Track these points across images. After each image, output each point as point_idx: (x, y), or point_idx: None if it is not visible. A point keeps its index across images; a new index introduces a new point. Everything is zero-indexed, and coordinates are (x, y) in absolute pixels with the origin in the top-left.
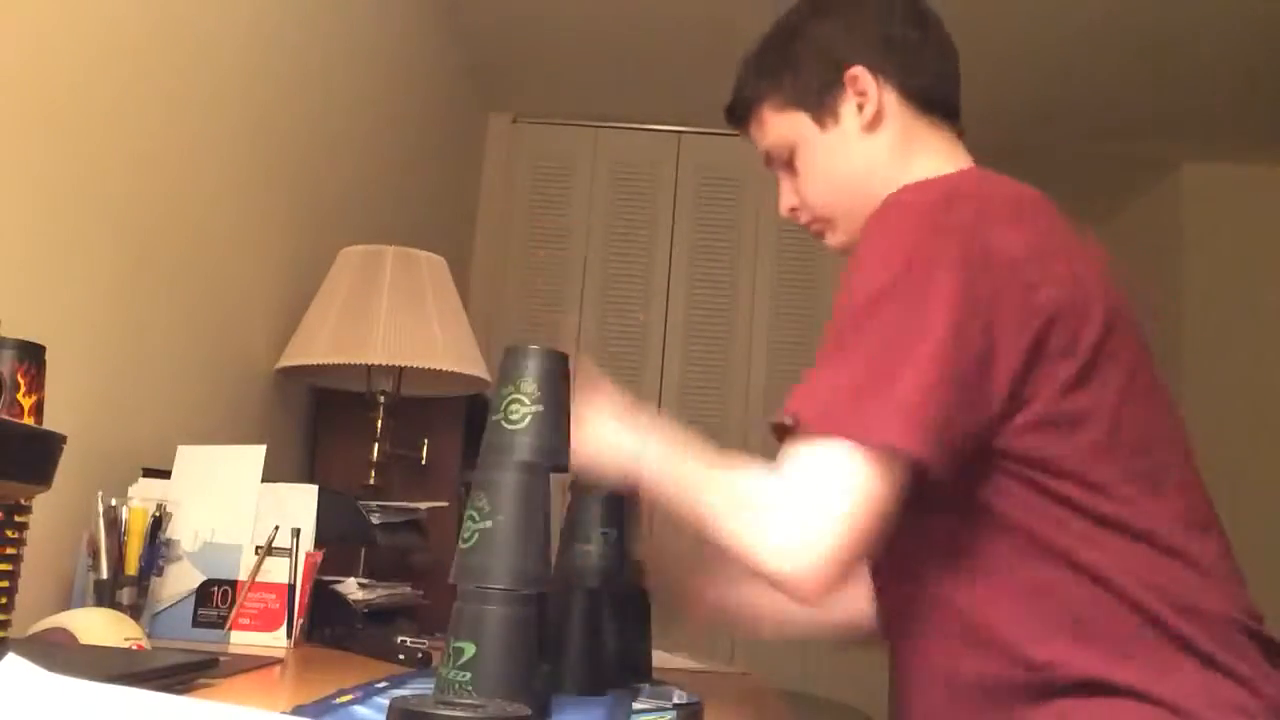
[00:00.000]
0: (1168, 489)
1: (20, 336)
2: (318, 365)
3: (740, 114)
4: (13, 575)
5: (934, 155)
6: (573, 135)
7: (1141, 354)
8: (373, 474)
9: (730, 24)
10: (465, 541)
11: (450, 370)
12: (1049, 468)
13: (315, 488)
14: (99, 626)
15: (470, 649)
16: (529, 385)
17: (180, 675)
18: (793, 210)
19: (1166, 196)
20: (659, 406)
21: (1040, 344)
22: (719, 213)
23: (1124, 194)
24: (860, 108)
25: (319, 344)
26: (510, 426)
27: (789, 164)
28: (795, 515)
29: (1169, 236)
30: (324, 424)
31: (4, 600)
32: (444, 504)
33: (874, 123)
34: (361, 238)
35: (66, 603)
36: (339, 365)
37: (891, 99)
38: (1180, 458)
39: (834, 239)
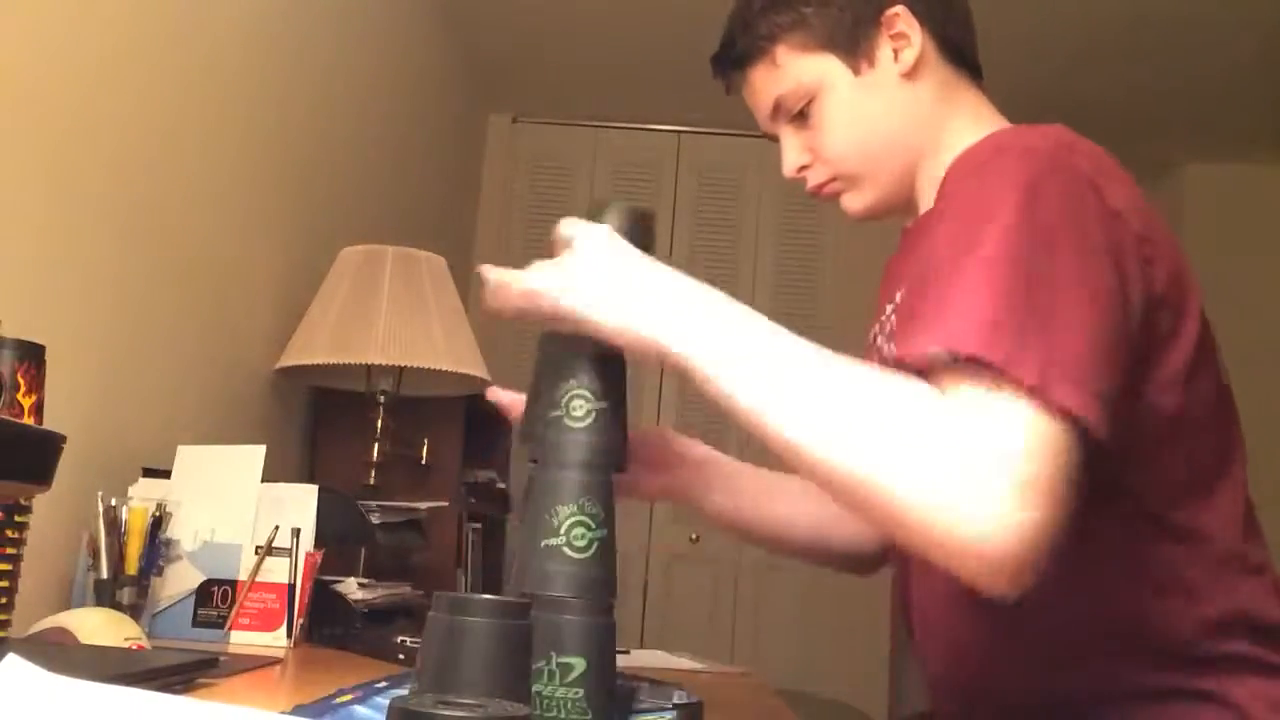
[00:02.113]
0: (1237, 496)
1: (20, 336)
2: (318, 365)
3: (743, 56)
4: (13, 575)
5: (974, 113)
6: (573, 135)
7: (1216, 349)
8: (373, 474)
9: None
10: (582, 552)
11: (450, 370)
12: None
13: (315, 488)
14: (99, 626)
15: (580, 664)
16: (591, 381)
17: (180, 675)
18: (802, 170)
19: (1167, 196)
20: (659, 406)
21: (1151, 325)
22: (719, 212)
23: None
24: (896, 53)
25: (319, 344)
26: (575, 424)
27: (800, 116)
28: (1003, 474)
29: None
30: (324, 424)
31: (4, 600)
32: (444, 504)
33: (914, 70)
34: (361, 238)
35: (66, 603)
36: (339, 365)
37: (929, 46)
38: (1243, 462)
39: (856, 200)
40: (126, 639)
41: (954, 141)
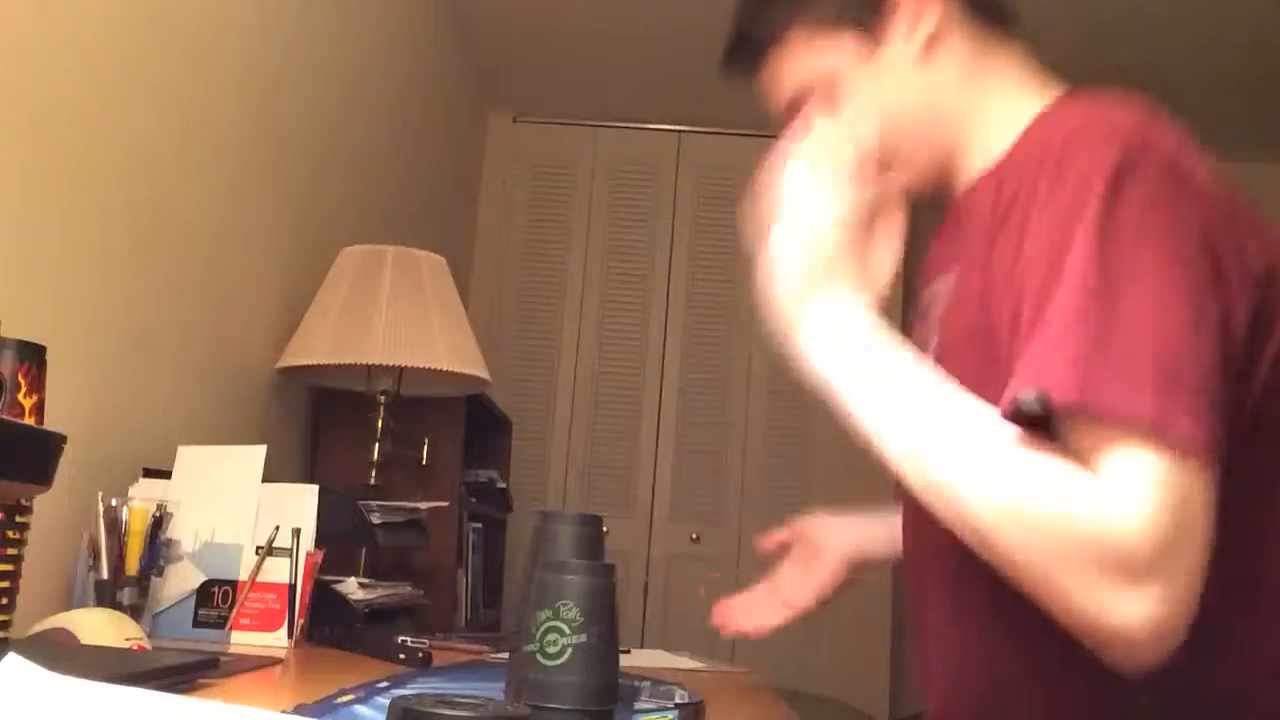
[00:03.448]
0: None
1: (20, 336)
2: (318, 365)
3: (754, 50)
4: (13, 575)
5: (1013, 78)
6: (573, 135)
7: None
8: (373, 474)
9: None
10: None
11: (450, 370)
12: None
13: (315, 488)
14: (99, 626)
15: None
16: (570, 610)
17: (181, 675)
18: None
19: None
20: (659, 407)
21: (1256, 309)
22: (719, 212)
23: None
24: (915, 28)
25: (319, 344)
26: (548, 662)
27: (826, 103)
28: (1162, 574)
29: None
30: (324, 424)
31: (4, 600)
32: (444, 504)
33: (935, 40)
34: (361, 238)
35: (67, 603)
36: (339, 365)
37: (953, 13)
38: None
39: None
40: (127, 639)
41: (997, 112)
